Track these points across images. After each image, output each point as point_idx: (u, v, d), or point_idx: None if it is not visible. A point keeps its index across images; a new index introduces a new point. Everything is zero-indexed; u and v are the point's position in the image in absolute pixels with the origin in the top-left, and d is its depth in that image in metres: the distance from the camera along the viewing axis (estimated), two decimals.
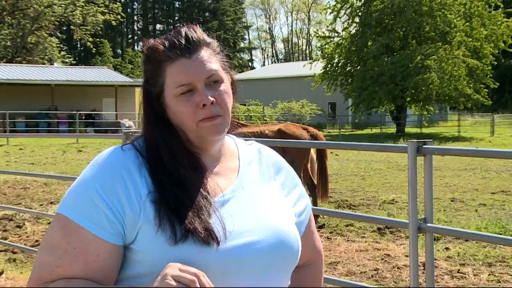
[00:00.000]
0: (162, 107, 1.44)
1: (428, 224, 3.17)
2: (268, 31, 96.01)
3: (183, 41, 1.42)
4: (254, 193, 1.47)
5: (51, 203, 9.78)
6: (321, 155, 8.42)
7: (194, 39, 1.43)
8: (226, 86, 1.45)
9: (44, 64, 45.89)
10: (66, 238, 1.32)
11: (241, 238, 1.36)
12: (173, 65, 1.41)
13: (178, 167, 1.40)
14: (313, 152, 8.60)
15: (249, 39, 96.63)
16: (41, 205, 9.65)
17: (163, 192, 1.35)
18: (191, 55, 1.41)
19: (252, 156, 1.55)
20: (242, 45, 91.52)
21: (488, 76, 32.58)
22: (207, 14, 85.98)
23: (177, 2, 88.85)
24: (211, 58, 1.44)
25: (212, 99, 1.40)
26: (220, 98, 1.42)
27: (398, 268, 5.83)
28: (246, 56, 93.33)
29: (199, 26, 1.49)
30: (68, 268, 1.31)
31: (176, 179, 1.38)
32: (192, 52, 1.42)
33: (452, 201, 9.69)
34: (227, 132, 1.53)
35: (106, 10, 48.27)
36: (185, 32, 1.44)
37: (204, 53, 1.43)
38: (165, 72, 1.42)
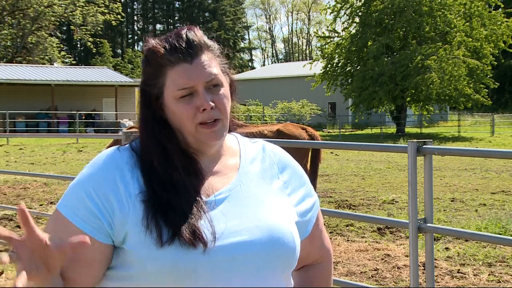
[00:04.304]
0: (160, 108, 1.44)
1: (428, 224, 3.17)
2: (268, 31, 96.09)
3: (184, 45, 1.42)
4: (253, 191, 1.46)
5: (51, 203, 9.78)
6: (316, 157, 8.39)
7: (195, 43, 1.43)
8: (225, 90, 1.46)
9: (44, 64, 45.88)
10: (55, 229, 1.38)
11: (232, 237, 1.36)
12: (174, 69, 1.42)
13: (170, 170, 1.41)
14: None
15: (249, 39, 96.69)
16: (41, 205, 9.65)
17: (153, 194, 1.37)
18: (192, 59, 1.42)
19: (255, 154, 1.55)
20: (242, 45, 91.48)
21: (488, 76, 32.58)
22: (207, 14, 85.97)
23: (177, 2, 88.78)
24: (212, 62, 1.44)
25: (212, 104, 1.41)
26: (219, 102, 1.43)
27: (398, 268, 5.83)
28: (246, 56, 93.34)
29: (199, 27, 1.49)
30: None
31: (166, 182, 1.39)
32: (193, 57, 1.42)
33: (452, 201, 9.68)
34: (230, 131, 1.54)
35: (106, 10, 48.27)
36: (186, 35, 1.44)
37: (205, 57, 1.44)
38: (166, 75, 1.42)
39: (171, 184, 1.39)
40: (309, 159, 8.32)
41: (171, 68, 1.42)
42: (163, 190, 1.37)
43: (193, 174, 1.42)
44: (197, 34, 1.45)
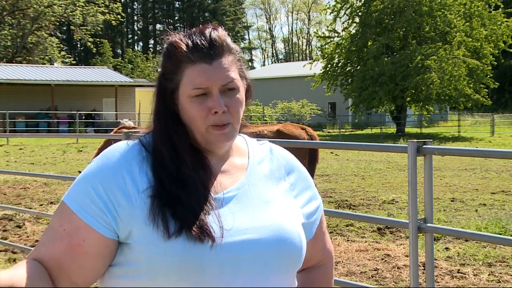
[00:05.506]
0: (174, 103, 1.45)
1: (428, 224, 3.17)
2: (268, 31, 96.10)
3: (206, 45, 1.41)
4: (260, 191, 1.47)
5: (51, 203, 9.78)
6: (314, 157, 8.38)
7: (217, 44, 1.42)
8: (240, 95, 1.45)
9: (44, 64, 45.89)
10: (60, 221, 1.39)
11: (239, 235, 1.36)
12: (193, 67, 1.41)
13: (179, 164, 1.41)
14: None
15: (249, 39, 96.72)
16: (41, 205, 9.65)
17: (161, 189, 1.37)
18: (212, 60, 1.41)
19: (263, 156, 1.55)
20: (242, 45, 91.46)
21: (488, 76, 32.59)
22: (207, 14, 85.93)
23: (177, 2, 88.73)
24: (231, 66, 1.44)
25: (224, 107, 1.40)
26: (232, 106, 1.43)
27: (398, 268, 5.83)
28: (246, 56, 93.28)
29: (222, 27, 1.48)
30: (51, 248, 1.37)
31: (176, 176, 1.39)
32: (213, 58, 1.41)
33: (452, 201, 9.68)
34: (239, 132, 1.54)
35: (106, 10, 48.25)
36: (210, 34, 1.43)
37: (225, 60, 1.43)
38: (184, 72, 1.42)
39: (180, 179, 1.39)
40: (307, 158, 8.33)
41: (190, 66, 1.41)
42: (172, 184, 1.38)
43: (202, 170, 1.43)
44: (221, 35, 1.44)
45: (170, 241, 1.31)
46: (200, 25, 1.49)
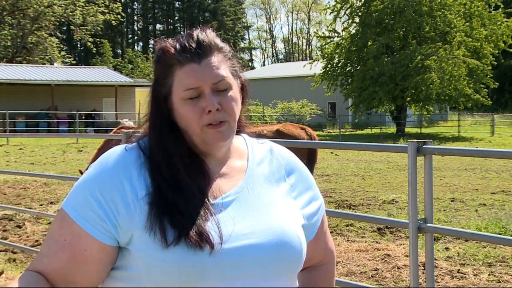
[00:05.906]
0: (168, 108, 1.44)
1: (428, 224, 3.17)
2: (268, 31, 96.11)
3: (194, 45, 1.42)
4: (260, 194, 1.45)
5: (51, 203, 9.78)
6: (312, 157, 8.39)
7: (205, 43, 1.42)
8: (234, 93, 1.44)
9: (44, 64, 45.90)
10: (60, 230, 1.38)
11: (239, 241, 1.35)
12: (182, 68, 1.41)
13: (176, 171, 1.40)
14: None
15: (249, 39, 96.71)
16: (41, 205, 9.65)
17: (159, 195, 1.36)
18: (200, 60, 1.41)
19: (262, 156, 1.54)
20: (242, 45, 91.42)
21: (488, 76, 32.60)
22: (207, 14, 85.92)
23: (177, 2, 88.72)
24: (221, 64, 1.43)
25: (217, 105, 1.39)
26: (226, 104, 1.41)
27: (398, 268, 5.83)
28: (246, 56, 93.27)
29: (211, 28, 1.48)
30: (53, 258, 1.36)
31: (172, 182, 1.38)
32: (202, 57, 1.41)
33: (452, 201, 9.68)
34: (239, 132, 1.54)
35: (106, 10, 48.27)
36: (197, 35, 1.43)
37: (215, 59, 1.43)
38: (174, 75, 1.42)
39: (177, 186, 1.38)
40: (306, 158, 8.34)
41: (180, 67, 1.41)
42: (169, 190, 1.37)
43: (200, 176, 1.41)
44: (208, 35, 1.45)
45: (169, 250, 1.30)
46: (200, 25, 1.49)
